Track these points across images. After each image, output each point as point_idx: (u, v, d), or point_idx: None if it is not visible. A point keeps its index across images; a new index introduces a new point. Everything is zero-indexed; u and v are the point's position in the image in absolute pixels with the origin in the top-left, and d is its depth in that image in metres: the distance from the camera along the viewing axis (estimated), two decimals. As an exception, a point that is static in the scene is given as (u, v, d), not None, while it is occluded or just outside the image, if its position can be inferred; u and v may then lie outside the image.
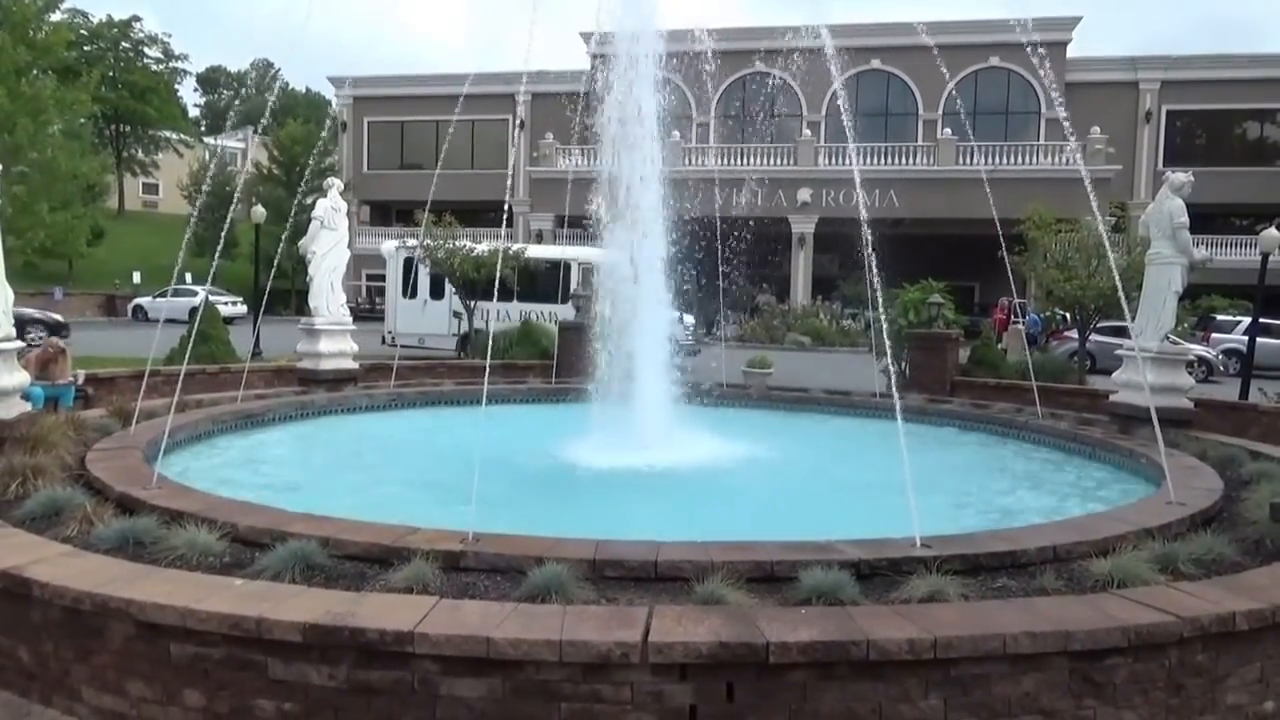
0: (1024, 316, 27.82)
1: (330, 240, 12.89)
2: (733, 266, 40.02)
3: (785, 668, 3.66)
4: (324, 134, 39.65)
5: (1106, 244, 11.31)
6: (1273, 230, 16.53)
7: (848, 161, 36.68)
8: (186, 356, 9.84)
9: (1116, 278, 8.62)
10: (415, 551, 4.68)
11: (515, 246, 23.36)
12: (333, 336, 12.87)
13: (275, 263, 17.44)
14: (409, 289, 25.03)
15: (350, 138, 49.09)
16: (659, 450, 8.83)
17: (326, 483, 7.85)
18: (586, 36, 41.62)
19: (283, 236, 18.29)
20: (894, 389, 6.83)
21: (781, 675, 3.67)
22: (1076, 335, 18.35)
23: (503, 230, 28.90)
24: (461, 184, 40.73)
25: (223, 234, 11.69)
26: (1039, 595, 4.38)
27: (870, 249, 6.63)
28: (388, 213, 50.58)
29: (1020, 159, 35.00)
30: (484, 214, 41.15)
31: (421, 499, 7.12)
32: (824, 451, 10.24)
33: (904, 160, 36.30)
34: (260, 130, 60.67)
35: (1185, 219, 9.66)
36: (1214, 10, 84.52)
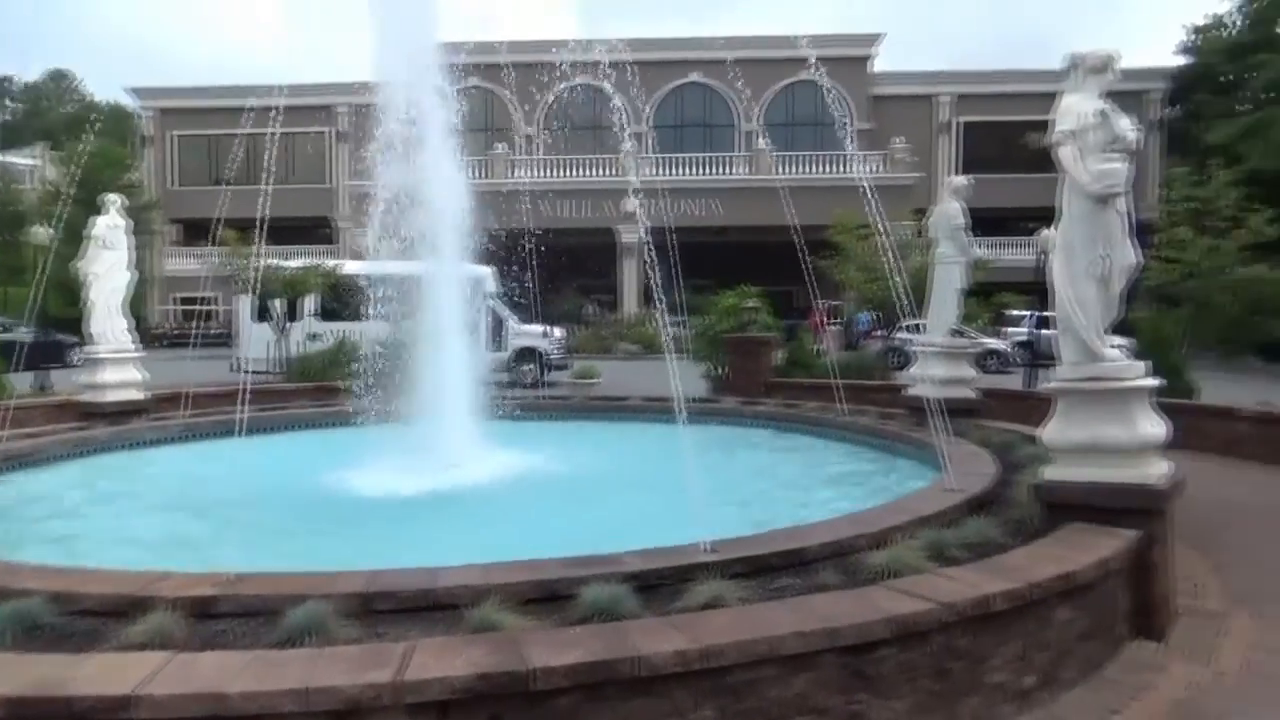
0: (841, 318, 29.15)
1: (110, 260, 11.86)
2: (562, 277, 39.91)
3: (552, 693, 3.50)
4: (83, 143, 36.73)
5: (884, 244, 11.90)
6: (1046, 230, 17.87)
7: (670, 172, 37.45)
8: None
9: (895, 277, 9.01)
10: (162, 600, 4.23)
11: (330, 263, 22.41)
12: (117, 365, 11.85)
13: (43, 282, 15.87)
14: (261, 312, 23.48)
15: (156, 152, 45.91)
16: (465, 469, 8.56)
17: (93, 527, 7.12)
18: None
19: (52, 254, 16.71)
20: (677, 393, 6.84)
21: (549, 701, 3.51)
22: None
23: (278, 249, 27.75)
24: (278, 199, 38.82)
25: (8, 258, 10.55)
26: (817, 592, 4.42)
27: (676, 258, 6.65)
28: (201, 231, 47.54)
29: (832, 168, 36.73)
30: (307, 230, 39.40)
31: (195, 538, 6.56)
32: (636, 459, 10.19)
33: (725, 170, 37.37)
34: (53, 145, 55.90)
35: (963, 220, 10.25)
36: (1011, 29, 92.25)
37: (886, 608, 4.02)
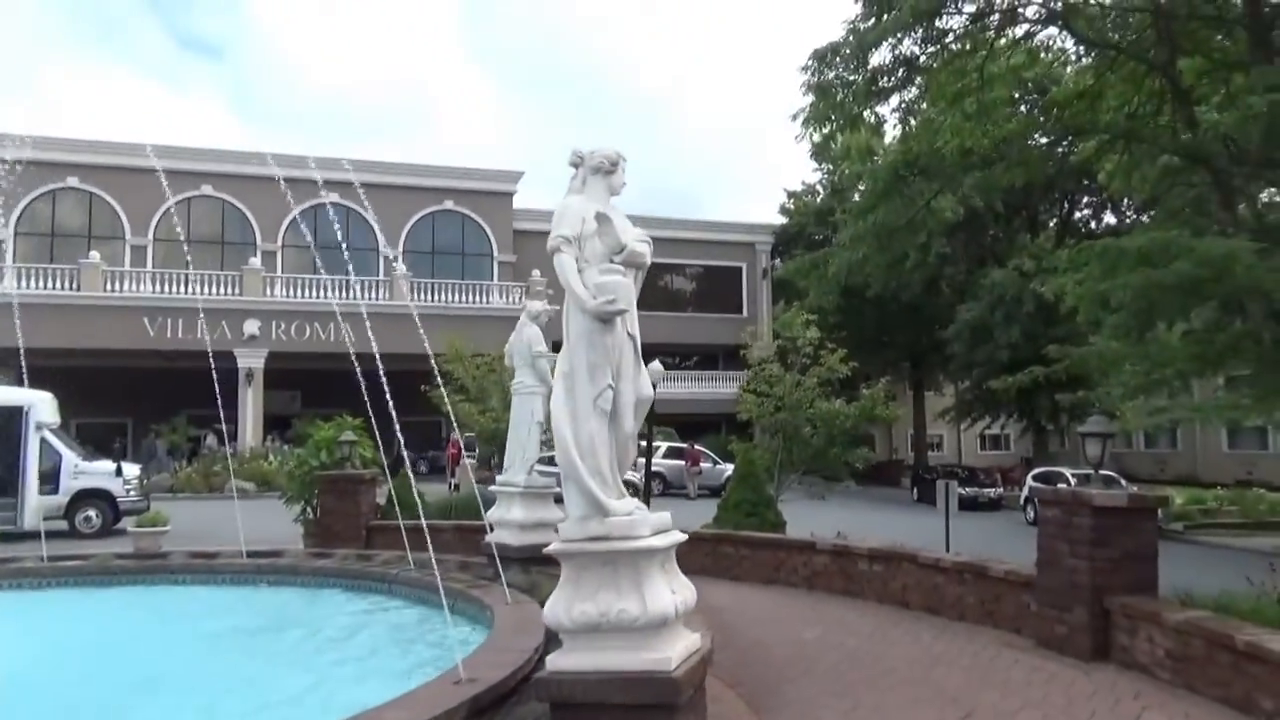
0: (474, 449, 27.90)
1: None
2: (174, 405, 35.02)
3: None
4: None
5: (496, 376, 10.90)
6: (656, 364, 18.15)
7: (301, 293, 34.92)
8: None
9: (448, 406, 7.88)
10: None
11: None
12: None
13: None
14: None
15: None
16: None
17: None
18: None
19: None
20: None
21: None
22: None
23: None
24: None
25: None
26: None
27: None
28: None
29: (471, 297, 36.38)
30: None
31: None
32: (114, 650, 7.71)
33: (360, 295, 35.52)
34: None
35: (543, 347, 9.46)
36: (660, 179, 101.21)
37: None
